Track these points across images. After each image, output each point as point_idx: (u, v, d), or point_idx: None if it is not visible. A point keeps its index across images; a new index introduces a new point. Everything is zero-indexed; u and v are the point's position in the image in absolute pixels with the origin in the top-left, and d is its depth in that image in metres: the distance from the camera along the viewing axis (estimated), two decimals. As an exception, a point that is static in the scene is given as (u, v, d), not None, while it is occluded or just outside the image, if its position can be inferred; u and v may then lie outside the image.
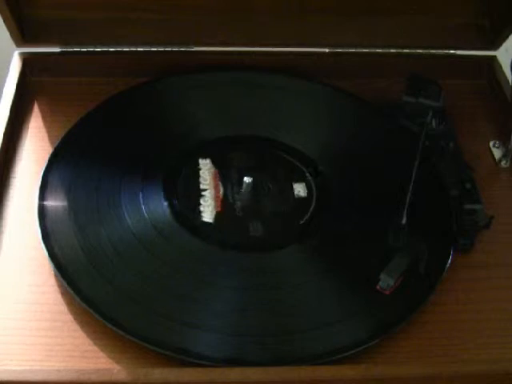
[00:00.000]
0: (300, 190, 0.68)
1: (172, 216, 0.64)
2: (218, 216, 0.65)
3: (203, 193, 0.66)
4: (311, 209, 0.67)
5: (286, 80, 0.78)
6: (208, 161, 0.68)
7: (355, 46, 0.81)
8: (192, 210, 0.65)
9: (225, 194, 0.67)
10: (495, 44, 0.81)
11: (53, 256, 0.60)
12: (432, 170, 0.69)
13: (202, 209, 0.65)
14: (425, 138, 0.71)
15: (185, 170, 0.68)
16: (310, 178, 0.69)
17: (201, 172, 0.68)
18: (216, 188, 0.67)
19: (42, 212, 0.63)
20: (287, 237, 0.64)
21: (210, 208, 0.65)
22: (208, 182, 0.67)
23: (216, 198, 0.66)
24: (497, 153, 0.75)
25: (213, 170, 0.67)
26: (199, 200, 0.66)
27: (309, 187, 0.69)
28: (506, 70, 0.79)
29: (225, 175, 0.68)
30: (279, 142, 0.72)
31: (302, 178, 0.70)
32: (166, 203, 0.65)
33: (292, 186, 0.69)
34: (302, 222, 0.66)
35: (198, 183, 0.67)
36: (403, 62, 0.81)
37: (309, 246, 0.64)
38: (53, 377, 0.53)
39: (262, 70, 0.79)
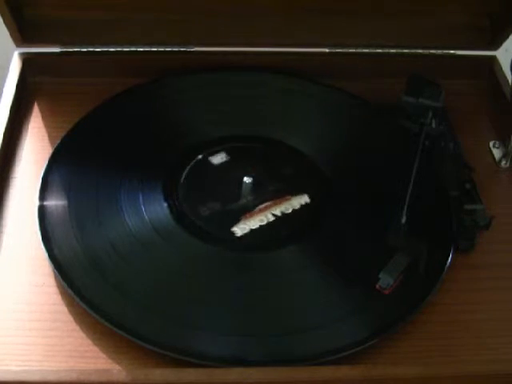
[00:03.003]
0: (299, 189, 0.68)
1: (172, 216, 0.64)
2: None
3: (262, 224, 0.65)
4: (311, 209, 0.67)
5: (286, 80, 0.78)
6: (241, 225, 0.65)
7: (355, 46, 0.81)
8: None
9: (226, 194, 0.67)
10: (495, 44, 0.81)
11: (53, 256, 0.60)
12: (432, 170, 0.69)
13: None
14: (425, 138, 0.71)
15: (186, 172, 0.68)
16: (310, 177, 0.69)
17: (253, 228, 0.65)
18: (261, 211, 0.66)
19: (42, 212, 0.63)
20: (287, 237, 0.64)
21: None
22: (260, 218, 0.66)
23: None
24: (497, 153, 0.75)
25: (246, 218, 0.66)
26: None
27: (309, 186, 0.69)
28: (506, 70, 0.79)
29: (225, 179, 0.68)
30: (279, 141, 0.72)
31: (301, 177, 0.70)
32: (165, 204, 0.65)
33: (292, 186, 0.69)
34: (301, 222, 0.66)
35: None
36: (403, 62, 0.81)
37: (308, 246, 0.64)
38: (52, 377, 0.52)
39: (262, 70, 0.79)
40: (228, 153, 0.71)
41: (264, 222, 0.65)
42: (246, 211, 0.66)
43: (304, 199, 0.67)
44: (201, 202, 0.66)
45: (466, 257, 0.65)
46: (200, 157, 0.70)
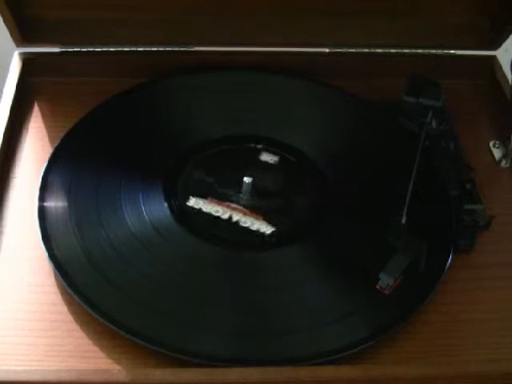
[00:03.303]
0: (299, 189, 0.68)
1: (172, 216, 0.64)
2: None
3: (234, 219, 0.65)
4: (311, 208, 0.67)
5: (286, 80, 0.78)
6: (194, 199, 0.66)
7: (355, 46, 0.81)
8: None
9: (226, 194, 0.67)
10: (495, 44, 0.81)
11: (53, 256, 0.60)
12: (432, 170, 0.69)
13: (254, 228, 0.65)
14: (425, 137, 0.71)
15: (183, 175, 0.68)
16: (309, 177, 0.69)
17: (204, 210, 0.66)
18: (228, 207, 0.66)
19: (42, 212, 0.63)
20: (287, 236, 0.64)
21: (257, 222, 0.65)
22: (219, 210, 0.66)
23: (245, 214, 0.66)
24: (497, 153, 0.75)
25: (207, 201, 0.67)
26: (240, 225, 0.65)
27: (309, 186, 0.69)
28: (506, 70, 0.79)
29: (225, 181, 0.68)
30: (279, 141, 0.72)
31: (301, 177, 0.70)
32: (165, 204, 0.65)
33: (292, 186, 0.69)
34: (301, 222, 0.66)
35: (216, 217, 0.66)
36: (403, 62, 0.81)
37: (309, 246, 0.64)
38: (53, 377, 0.53)
39: (262, 70, 0.79)
40: (228, 153, 0.71)
41: (264, 222, 0.65)
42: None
43: (304, 199, 0.67)
44: (222, 220, 0.66)
45: (465, 257, 0.65)
46: (200, 157, 0.70)
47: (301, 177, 0.70)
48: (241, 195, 0.67)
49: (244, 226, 0.65)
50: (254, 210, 0.66)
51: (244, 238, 0.64)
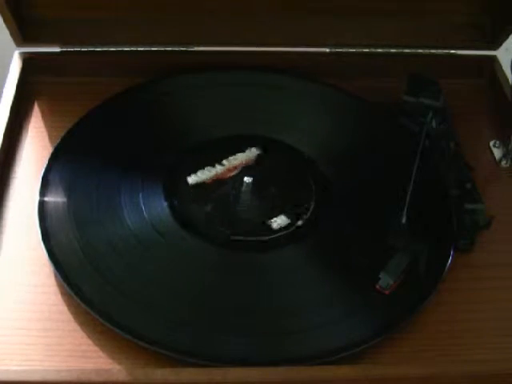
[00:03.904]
0: (299, 189, 0.69)
1: (172, 216, 0.64)
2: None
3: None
4: (311, 208, 0.67)
5: (286, 80, 0.78)
6: (198, 173, 0.67)
7: (355, 46, 0.81)
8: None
9: (227, 194, 0.67)
10: (495, 44, 0.81)
11: (53, 256, 0.60)
12: (432, 169, 0.69)
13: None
14: (425, 137, 0.71)
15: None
16: (310, 177, 0.69)
17: (206, 178, 0.67)
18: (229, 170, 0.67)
19: (42, 212, 0.63)
20: (287, 237, 0.64)
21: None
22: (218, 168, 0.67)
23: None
24: (497, 152, 0.75)
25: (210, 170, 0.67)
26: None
27: (309, 186, 0.69)
28: (506, 69, 0.79)
29: (225, 179, 0.68)
30: (279, 141, 0.72)
31: (301, 177, 0.70)
32: (165, 203, 0.65)
33: (292, 186, 0.69)
34: (302, 222, 0.66)
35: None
36: (403, 62, 0.81)
37: (309, 246, 0.64)
38: (53, 377, 0.53)
39: (262, 70, 0.79)
40: (228, 152, 0.71)
41: (264, 222, 0.65)
42: (246, 211, 0.66)
43: (304, 199, 0.67)
44: (201, 202, 0.66)
45: (466, 256, 0.65)
46: (200, 157, 0.70)
47: (301, 176, 0.70)
48: (241, 195, 0.67)
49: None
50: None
51: (244, 238, 0.64)
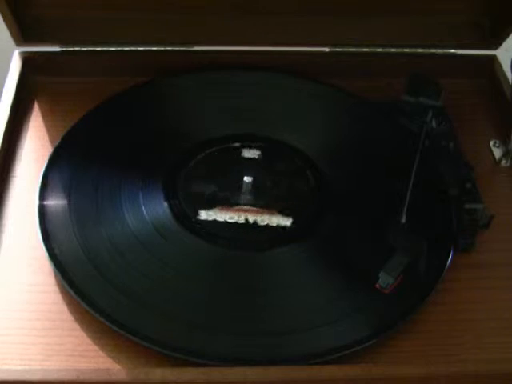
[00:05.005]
0: (299, 189, 0.69)
1: (172, 216, 0.64)
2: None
3: (229, 221, 0.65)
4: (311, 208, 0.67)
5: (286, 79, 0.78)
6: (204, 212, 0.65)
7: (355, 46, 0.81)
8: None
9: (227, 194, 0.67)
10: (495, 43, 0.81)
11: (53, 256, 0.60)
12: (432, 169, 0.69)
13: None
14: (425, 137, 0.71)
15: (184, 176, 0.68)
16: (310, 177, 0.69)
17: (218, 219, 0.65)
18: (240, 210, 0.66)
19: (42, 212, 0.63)
20: (287, 236, 0.64)
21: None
22: (236, 217, 0.66)
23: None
24: (497, 152, 0.75)
25: (217, 210, 0.66)
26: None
27: (309, 186, 0.69)
28: (506, 69, 0.79)
29: (224, 182, 0.68)
30: (279, 141, 0.72)
31: (302, 177, 0.70)
32: (165, 203, 0.65)
33: (292, 186, 0.69)
34: (302, 222, 0.66)
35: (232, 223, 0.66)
36: (403, 62, 0.81)
37: (308, 246, 0.64)
38: (53, 376, 0.53)
39: (263, 70, 0.79)
40: (228, 152, 0.71)
41: (264, 222, 0.65)
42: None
43: (303, 199, 0.67)
44: (201, 202, 0.66)
45: (466, 256, 0.65)
46: (200, 156, 0.70)
47: (301, 176, 0.70)
48: (242, 196, 0.67)
49: (263, 224, 0.65)
50: (267, 206, 0.66)
51: (244, 237, 0.64)
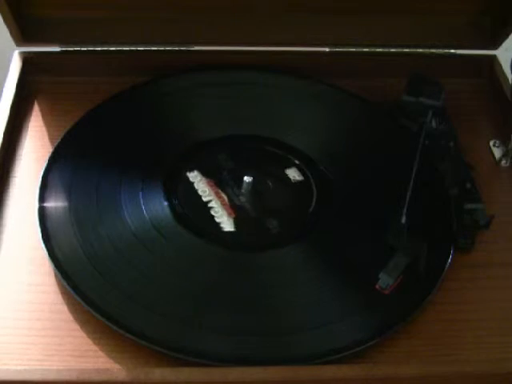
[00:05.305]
0: (299, 189, 0.69)
1: (172, 216, 0.64)
2: (235, 221, 0.65)
3: (209, 204, 0.66)
4: (311, 208, 0.67)
5: (285, 80, 0.78)
6: (196, 173, 0.67)
7: (355, 46, 0.81)
8: (207, 222, 0.64)
9: (230, 199, 0.67)
10: (495, 43, 0.81)
11: (53, 256, 0.60)
12: (432, 169, 0.69)
13: (218, 220, 0.65)
14: (425, 137, 0.71)
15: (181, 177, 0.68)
16: (310, 176, 0.69)
17: (195, 185, 0.67)
18: (218, 195, 0.66)
19: (42, 212, 0.63)
20: (287, 236, 0.64)
21: (225, 217, 0.65)
22: (207, 192, 0.66)
23: (223, 205, 0.66)
24: (497, 152, 0.75)
25: (204, 180, 0.67)
26: (210, 212, 0.65)
27: (309, 186, 0.69)
28: (506, 69, 0.79)
29: (221, 179, 0.68)
30: (279, 141, 0.72)
31: (301, 177, 0.70)
32: (165, 203, 0.65)
33: (292, 186, 0.69)
34: (302, 222, 0.66)
35: (199, 196, 0.66)
36: (403, 62, 0.81)
37: (309, 246, 0.64)
38: (52, 376, 0.53)
39: (263, 70, 0.79)
40: (228, 152, 0.71)
41: (264, 222, 0.65)
42: (247, 211, 0.66)
43: (303, 199, 0.67)
44: (201, 202, 0.66)
45: (465, 256, 0.65)
46: (200, 156, 0.70)
47: (300, 176, 0.70)
48: (241, 192, 0.67)
49: (211, 213, 0.65)
50: (238, 207, 0.66)
51: (244, 238, 0.64)
